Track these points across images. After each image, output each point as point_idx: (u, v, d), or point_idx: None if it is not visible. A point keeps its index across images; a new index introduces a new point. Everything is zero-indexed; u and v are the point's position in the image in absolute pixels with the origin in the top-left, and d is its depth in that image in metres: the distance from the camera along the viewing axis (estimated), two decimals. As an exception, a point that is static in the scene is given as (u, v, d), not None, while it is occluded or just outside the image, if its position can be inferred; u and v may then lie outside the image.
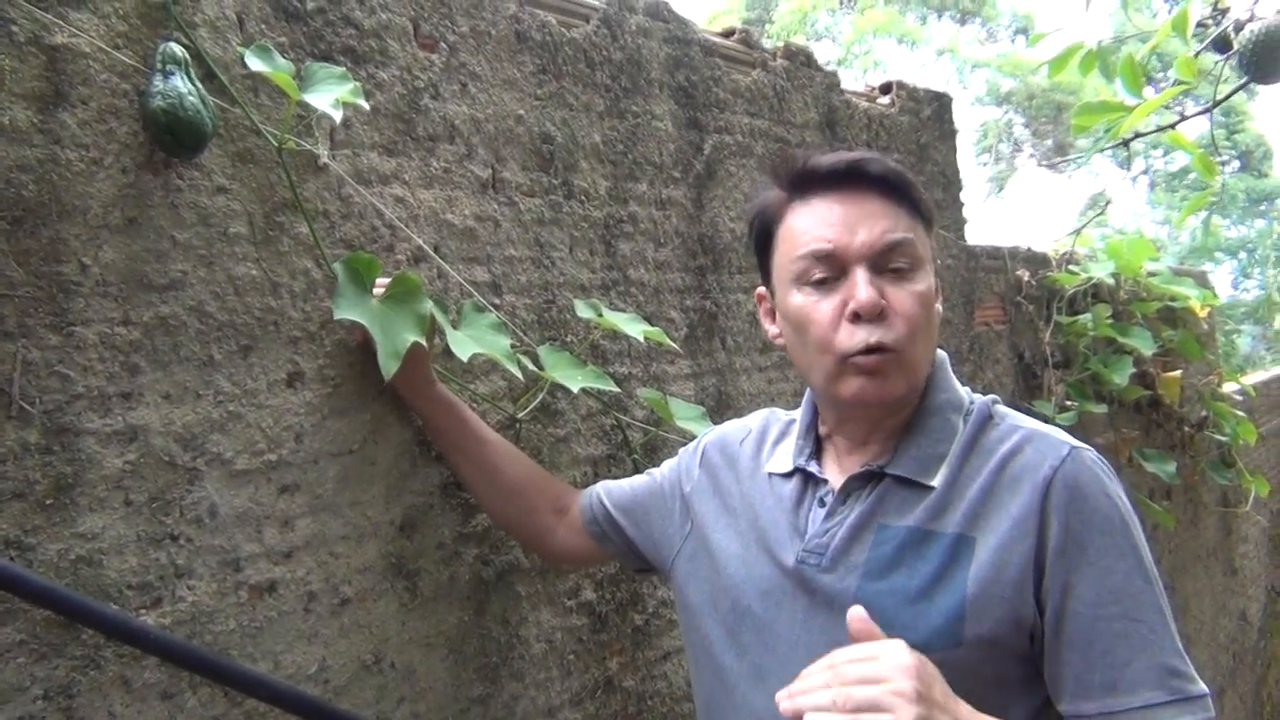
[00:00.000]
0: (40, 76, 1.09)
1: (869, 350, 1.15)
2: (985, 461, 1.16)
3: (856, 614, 0.99)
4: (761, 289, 1.31)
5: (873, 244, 1.15)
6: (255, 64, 1.22)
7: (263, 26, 1.30)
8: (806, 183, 1.20)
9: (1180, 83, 2.53)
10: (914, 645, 1.09)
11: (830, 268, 1.17)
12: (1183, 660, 1.07)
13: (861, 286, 1.14)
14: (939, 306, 1.23)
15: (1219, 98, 2.75)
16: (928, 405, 1.22)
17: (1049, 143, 19.04)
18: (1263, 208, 19.57)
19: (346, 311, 1.29)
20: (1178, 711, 1.04)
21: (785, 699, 0.96)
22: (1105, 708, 1.05)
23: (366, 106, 1.35)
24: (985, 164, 19.54)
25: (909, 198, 1.19)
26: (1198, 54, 2.57)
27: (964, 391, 1.25)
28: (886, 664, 0.95)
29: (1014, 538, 1.10)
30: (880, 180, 1.18)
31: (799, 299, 1.19)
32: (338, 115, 1.25)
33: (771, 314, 1.29)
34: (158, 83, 1.14)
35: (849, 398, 1.18)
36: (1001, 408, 1.24)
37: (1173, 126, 2.99)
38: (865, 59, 17.58)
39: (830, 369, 1.18)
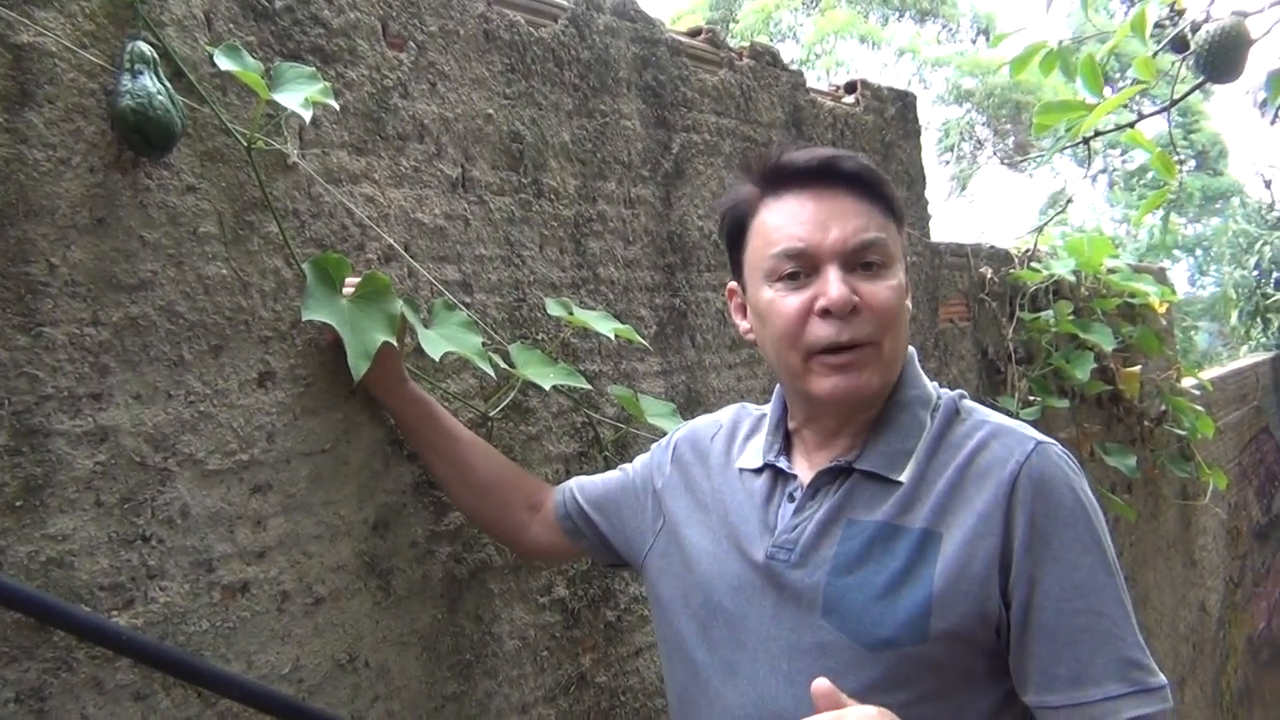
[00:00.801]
0: (6, 75, 1.08)
1: (838, 347, 1.16)
2: (952, 457, 1.17)
3: (820, 686, 0.95)
4: (732, 284, 1.31)
5: (845, 241, 1.16)
6: (225, 63, 1.22)
7: (231, 25, 1.30)
8: (779, 179, 1.21)
9: (1139, 82, 2.58)
10: (881, 640, 1.10)
11: (802, 265, 1.18)
12: (1143, 653, 1.10)
13: (833, 284, 1.15)
14: (909, 303, 1.24)
15: (1176, 97, 2.80)
16: (897, 400, 1.23)
17: (1010, 141, 19.23)
18: (1218, 205, 19.89)
19: (315, 312, 1.29)
20: (1139, 703, 1.07)
21: None
22: (1070, 700, 1.08)
23: (336, 106, 1.35)
24: (947, 162, 19.71)
25: (881, 195, 1.20)
26: (1155, 54, 2.61)
27: (932, 387, 1.26)
28: None
29: (980, 533, 1.11)
30: (853, 178, 1.19)
31: (769, 294, 1.20)
32: (308, 115, 1.24)
33: (742, 309, 1.30)
34: (126, 82, 1.14)
35: (822, 395, 1.18)
36: (968, 403, 1.26)
37: (1131, 125, 3.04)
38: (828, 59, 17.67)
39: (797, 365, 1.19)
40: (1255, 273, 9.42)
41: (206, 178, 1.26)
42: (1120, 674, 1.07)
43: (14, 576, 1.06)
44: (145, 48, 1.16)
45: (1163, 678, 1.10)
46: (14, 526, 1.07)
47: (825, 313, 1.15)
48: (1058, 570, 1.10)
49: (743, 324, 1.31)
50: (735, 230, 1.26)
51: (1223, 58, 2.42)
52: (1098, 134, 2.95)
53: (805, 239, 1.17)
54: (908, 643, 1.10)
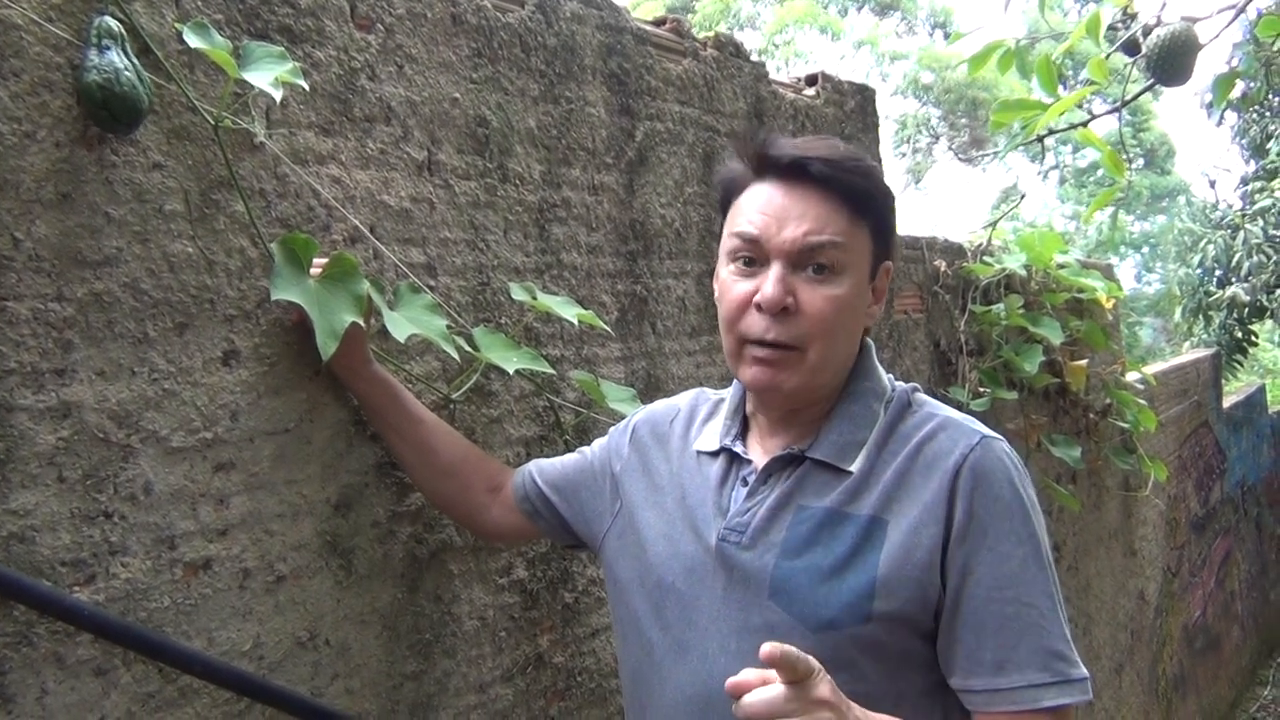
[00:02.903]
0: (-28, 47, 1.07)
1: (765, 343, 1.19)
2: (901, 447, 1.21)
3: (771, 651, 0.97)
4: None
5: (794, 242, 1.19)
6: (193, 41, 1.21)
7: (199, 2, 1.29)
8: (762, 164, 1.23)
9: (1091, 83, 2.63)
10: (825, 621, 1.14)
11: (755, 253, 1.21)
12: (1068, 645, 1.14)
13: (771, 282, 1.18)
14: (877, 309, 1.27)
15: (1127, 98, 2.86)
16: (851, 392, 1.26)
17: (965, 135, 19.45)
18: (1164, 204, 20.29)
19: (284, 291, 1.29)
20: (1059, 693, 1.11)
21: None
22: (992, 685, 1.12)
23: (306, 86, 1.34)
24: (903, 155, 19.88)
25: (854, 198, 1.20)
26: (1108, 56, 2.67)
27: (887, 379, 1.29)
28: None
29: (923, 521, 1.15)
30: (822, 180, 1.20)
31: (724, 273, 1.25)
32: (279, 94, 1.24)
33: None
34: (93, 57, 1.13)
35: (746, 381, 1.25)
36: (921, 396, 1.29)
37: (1084, 125, 3.10)
38: (787, 49, 17.73)
39: (732, 347, 1.24)
40: (1199, 270, 9.61)
41: (173, 155, 1.26)
42: (1043, 663, 1.11)
43: (-25, 551, 1.06)
44: (112, 23, 1.16)
45: (1084, 670, 1.14)
46: (-24, 501, 1.07)
47: (759, 307, 1.19)
48: (990, 560, 1.14)
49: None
50: (724, 200, 1.29)
51: (1172, 62, 2.48)
52: (1052, 132, 3.01)
53: (759, 229, 1.20)
54: (850, 624, 1.13)
